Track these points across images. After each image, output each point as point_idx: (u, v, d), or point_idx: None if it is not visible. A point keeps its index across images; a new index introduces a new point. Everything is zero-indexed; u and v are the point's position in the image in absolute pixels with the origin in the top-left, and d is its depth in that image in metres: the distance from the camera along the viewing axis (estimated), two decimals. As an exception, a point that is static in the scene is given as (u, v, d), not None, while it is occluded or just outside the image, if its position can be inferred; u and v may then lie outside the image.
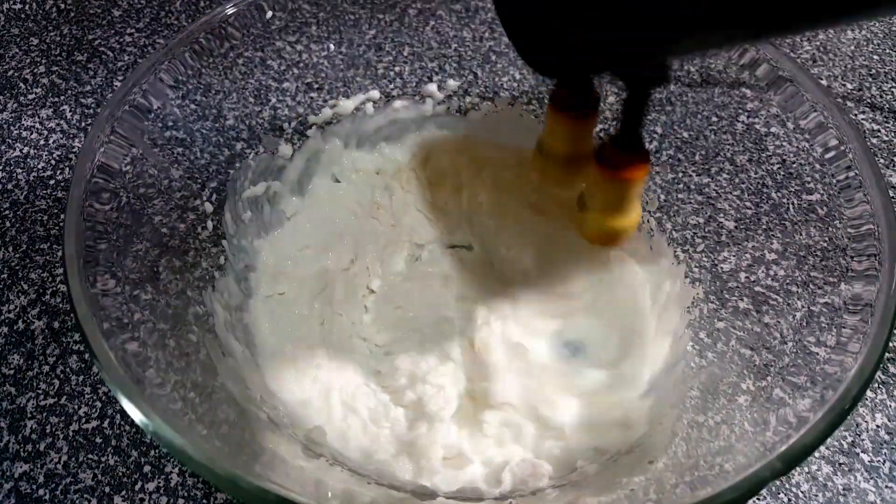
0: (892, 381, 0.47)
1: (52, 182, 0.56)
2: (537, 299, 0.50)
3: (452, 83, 0.55)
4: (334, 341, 0.47)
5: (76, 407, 0.45)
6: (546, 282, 0.51)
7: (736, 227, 0.45)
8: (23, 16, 0.71)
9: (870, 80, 0.67)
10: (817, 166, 0.40)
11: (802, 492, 0.42)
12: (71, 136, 0.60)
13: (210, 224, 0.46)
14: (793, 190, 0.42)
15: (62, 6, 0.72)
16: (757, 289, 0.42)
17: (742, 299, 0.42)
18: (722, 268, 0.45)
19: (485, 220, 0.53)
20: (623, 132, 0.35)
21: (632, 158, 0.35)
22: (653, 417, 0.41)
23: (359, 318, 0.49)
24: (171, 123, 0.44)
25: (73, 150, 0.59)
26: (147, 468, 0.42)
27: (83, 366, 0.47)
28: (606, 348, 0.47)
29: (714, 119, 0.47)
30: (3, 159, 0.58)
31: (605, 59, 0.32)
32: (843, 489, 0.43)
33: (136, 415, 0.29)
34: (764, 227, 0.43)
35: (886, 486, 0.43)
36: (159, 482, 0.42)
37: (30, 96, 0.63)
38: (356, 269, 0.51)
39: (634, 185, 0.36)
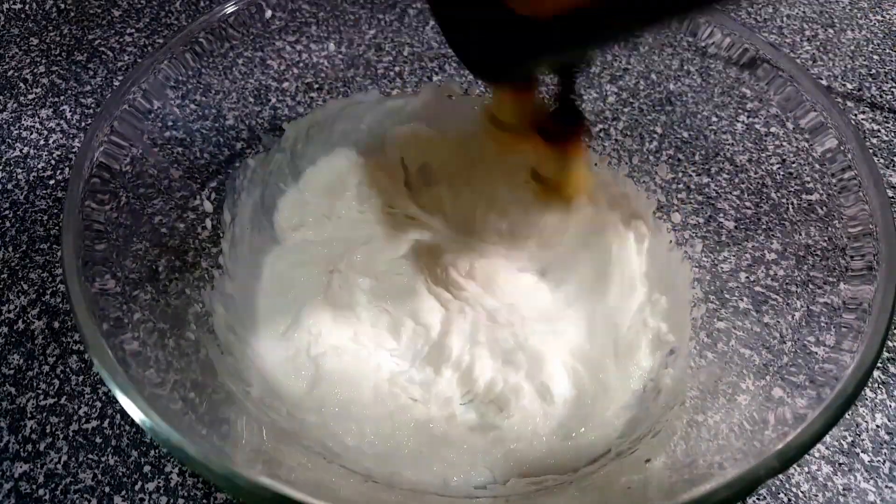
0: (892, 381, 0.47)
1: (52, 182, 0.56)
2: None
3: (453, 84, 0.54)
4: (335, 337, 0.47)
5: (76, 407, 0.45)
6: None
7: (736, 227, 0.45)
8: (23, 16, 0.71)
9: (870, 80, 0.67)
10: (817, 166, 0.40)
11: (802, 492, 0.42)
12: (71, 136, 0.60)
13: (210, 224, 0.46)
14: (792, 190, 0.42)
15: (62, 6, 0.72)
16: (757, 289, 0.42)
17: (742, 299, 0.42)
18: (722, 268, 0.45)
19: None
20: (561, 108, 0.40)
21: (571, 131, 0.41)
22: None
23: (355, 311, 0.49)
24: (171, 123, 0.44)
25: (73, 150, 0.59)
26: (147, 468, 0.42)
27: (83, 366, 0.47)
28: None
29: (714, 119, 0.47)
30: (3, 159, 0.58)
31: (533, 60, 0.36)
32: (843, 489, 0.43)
33: (135, 413, 0.29)
34: (764, 227, 0.43)
35: (886, 486, 0.43)
36: (159, 482, 0.42)
37: (30, 96, 0.63)
38: (346, 266, 0.51)
39: (577, 154, 0.42)
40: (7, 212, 0.55)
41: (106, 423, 0.44)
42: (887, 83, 0.66)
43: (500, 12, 0.31)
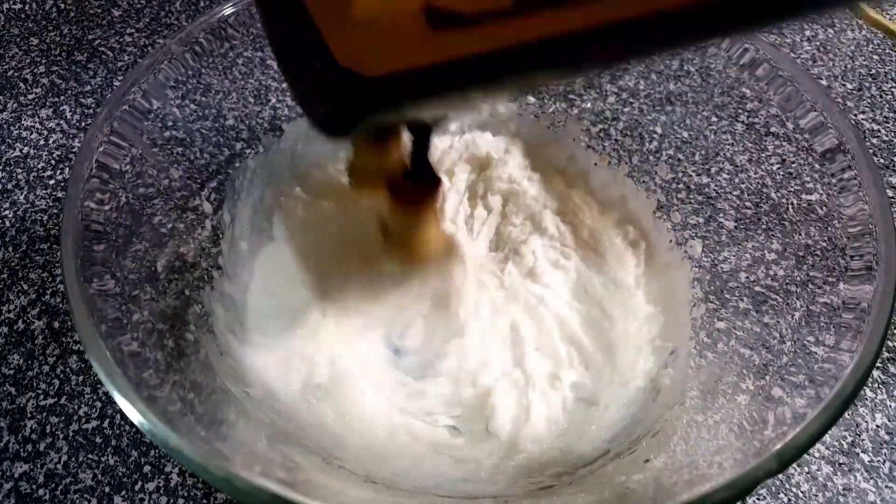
0: (892, 381, 0.47)
1: (52, 182, 0.56)
2: None
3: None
4: (333, 339, 0.47)
5: (76, 407, 0.45)
6: None
7: (736, 227, 0.45)
8: (23, 16, 0.71)
9: (870, 80, 0.67)
10: (817, 166, 0.40)
11: (802, 492, 0.42)
12: (71, 136, 0.60)
13: (210, 224, 0.46)
14: (792, 190, 0.42)
15: (62, 6, 0.72)
16: (757, 289, 0.42)
17: (742, 299, 0.42)
18: (722, 268, 0.45)
19: None
20: (413, 166, 0.38)
21: (423, 190, 0.39)
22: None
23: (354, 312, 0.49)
24: (170, 123, 0.44)
25: (73, 150, 0.59)
26: (147, 468, 0.42)
27: (83, 366, 0.47)
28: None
29: (714, 119, 0.47)
30: (3, 159, 0.58)
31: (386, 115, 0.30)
32: (843, 489, 0.43)
33: (133, 415, 0.29)
34: (764, 227, 0.43)
35: (886, 486, 0.43)
36: (159, 482, 0.42)
37: (30, 96, 0.63)
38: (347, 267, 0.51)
39: (428, 211, 0.40)
40: (7, 212, 0.55)
41: (106, 423, 0.44)
42: (887, 83, 0.66)
43: (327, 61, 0.24)
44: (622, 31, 0.22)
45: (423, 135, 0.36)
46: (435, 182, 0.39)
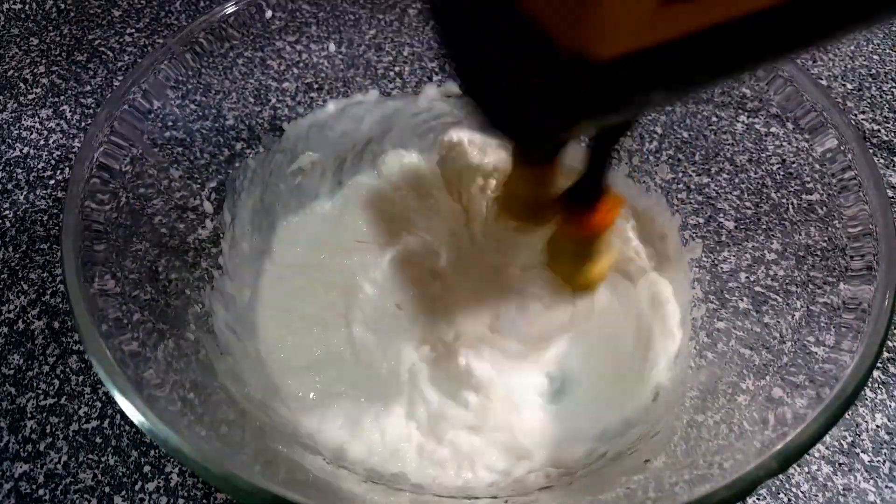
0: (892, 381, 0.47)
1: (52, 182, 0.56)
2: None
3: (452, 84, 0.54)
4: (334, 339, 0.47)
5: (76, 407, 0.45)
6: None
7: (736, 227, 0.45)
8: (23, 16, 0.71)
9: (870, 80, 0.67)
10: (817, 166, 0.40)
11: (802, 492, 0.42)
12: (71, 136, 0.60)
13: (210, 224, 0.46)
14: (792, 190, 0.42)
15: (62, 6, 0.72)
16: (757, 289, 0.42)
17: (742, 299, 0.42)
18: (722, 268, 0.45)
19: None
20: (585, 183, 0.33)
21: (595, 209, 0.34)
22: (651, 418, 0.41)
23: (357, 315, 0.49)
24: (170, 123, 0.44)
25: (73, 150, 0.59)
26: (147, 468, 0.42)
27: (83, 366, 0.47)
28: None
29: (714, 119, 0.47)
30: (3, 159, 0.58)
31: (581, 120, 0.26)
32: (843, 489, 0.43)
33: (133, 415, 0.29)
34: (764, 227, 0.43)
35: (886, 486, 0.43)
36: (159, 482, 0.42)
37: (30, 96, 0.63)
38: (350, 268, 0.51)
39: (600, 236, 0.35)
40: (7, 212, 0.55)
41: (106, 423, 0.44)
42: (887, 83, 0.66)
43: (540, 51, 0.21)
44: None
45: (609, 142, 0.32)
46: (610, 199, 0.34)
